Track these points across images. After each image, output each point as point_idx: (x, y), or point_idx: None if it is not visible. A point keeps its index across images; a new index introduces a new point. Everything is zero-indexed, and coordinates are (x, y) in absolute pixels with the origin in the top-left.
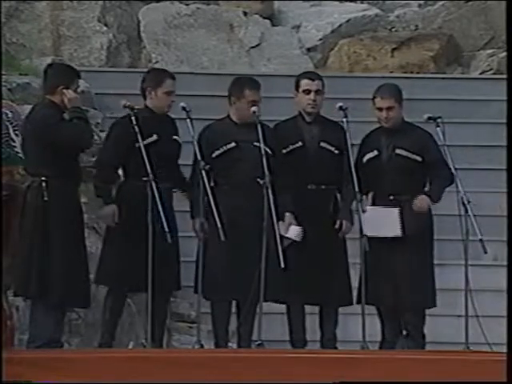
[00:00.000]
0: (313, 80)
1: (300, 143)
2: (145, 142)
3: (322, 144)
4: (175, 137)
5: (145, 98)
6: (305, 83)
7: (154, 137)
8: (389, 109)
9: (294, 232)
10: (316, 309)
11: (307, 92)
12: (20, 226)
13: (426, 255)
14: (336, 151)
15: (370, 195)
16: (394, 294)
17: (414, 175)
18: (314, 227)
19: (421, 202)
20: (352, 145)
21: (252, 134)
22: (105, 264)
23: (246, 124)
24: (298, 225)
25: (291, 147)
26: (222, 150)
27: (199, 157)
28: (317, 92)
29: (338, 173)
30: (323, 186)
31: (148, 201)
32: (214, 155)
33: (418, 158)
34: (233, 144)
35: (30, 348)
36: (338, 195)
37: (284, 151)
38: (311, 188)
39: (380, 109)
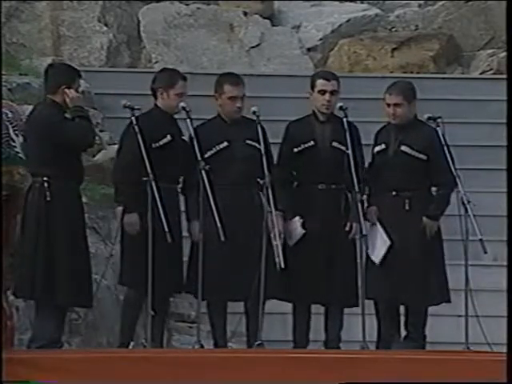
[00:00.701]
0: (328, 80)
1: (312, 142)
2: (161, 143)
3: (334, 144)
4: (184, 137)
5: (155, 98)
6: (320, 83)
7: (168, 137)
8: (396, 105)
9: (295, 235)
10: (319, 309)
11: (322, 92)
12: (22, 226)
13: (432, 253)
14: (348, 151)
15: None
16: (394, 291)
17: (417, 173)
18: (324, 227)
19: (430, 229)
20: (352, 145)
21: (243, 132)
22: (127, 265)
23: (236, 122)
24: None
25: (303, 146)
26: (214, 150)
27: (199, 157)
28: (332, 93)
29: (349, 172)
30: (334, 186)
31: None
32: (206, 155)
33: (423, 157)
34: (225, 143)
35: (31, 348)
36: (349, 195)
37: (295, 150)
38: (322, 188)
39: (388, 105)
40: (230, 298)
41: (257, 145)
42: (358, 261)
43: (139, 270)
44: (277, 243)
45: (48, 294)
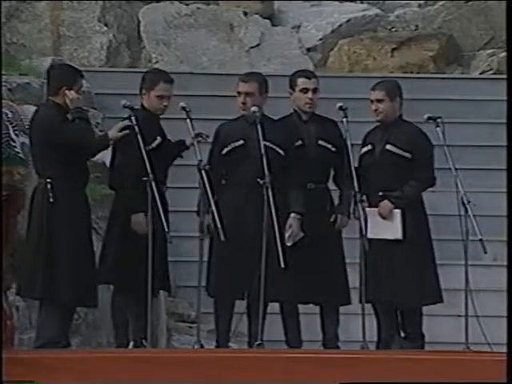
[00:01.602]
0: (309, 78)
1: (300, 142)
2: (153, 145)
3: (320, 142)
4: (169, 138)
5: (142, 98)
6: (302, 82)
7: (159, 139)
8: (378, 101)
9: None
10: (316, 309)
11: (305, 91)
12: (28, 227)
13: (423, 252)
14: (333, 149)
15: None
16: (390, 292)
17: (404, 171)
18: (313, 226)
19: (383, 209)
20: (352, 145)
21: (260, 132)
22: (108, 263)
23: (256, 122)
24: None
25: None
26: (230, 148)
27: (199, 156)
28: (314, 90)
29: (335, 171)
30: (322, 185)
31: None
32: (223, 152)
33: (407, 155)
34: (241, 142)
35: (36, 347)
36: (333, 193)
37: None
38: (310, 187)
39: (372, 101)
40: (238, 296)
41: (272, 145)
42: (358, 261)
43: (125, 269)
44: (291, 244)
45: (51, 294)
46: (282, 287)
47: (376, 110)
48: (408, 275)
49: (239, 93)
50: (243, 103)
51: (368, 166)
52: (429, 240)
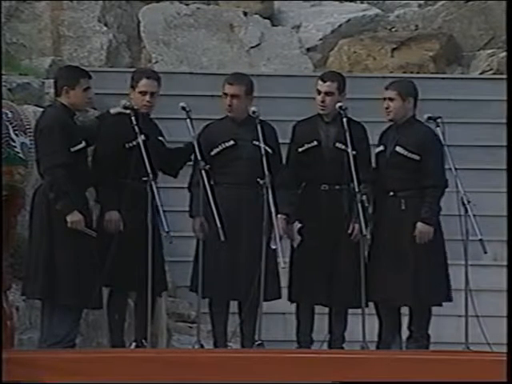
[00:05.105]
0: (324, 81)
1: (315, 142)
2: (134, 143)
3: (338, 144)
4: (160, 138)
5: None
6: (318, 84)
7: (142, 137)
8: (390, 100)
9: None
10: (323, 309)
11: (318, 92)
12: (30, 228)
13: (431, 252)
14: (353, 152)
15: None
16: (395, 293)
17: (412, 173)
18: (326, 227)
19: (422, 234)
20: (352, 144)
21: (251, 132)
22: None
23: (244, 122)
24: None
25: (306, 146)
26: (220, 148)
27: (199, 157)
28: (327, 94)
29: (350, 173)
30: (337, 187)
31: (145, 201)
32: (212, 153)
33: (416, 157)
34: (231, 142)
35: (42, 347)
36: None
37: (300, 150)
38: (324, 189)
39: (384, 99)
40: (232, 297)
41: (263, 145)
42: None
43: (121, 270)
44: (276, 247)
45: (55, 296)
46: (295, 287)
47: (387, 109)
48: (415, 275)
49: (225, 94)
50: (229, 105)
51: (380, 166)
52: (440, 240)
